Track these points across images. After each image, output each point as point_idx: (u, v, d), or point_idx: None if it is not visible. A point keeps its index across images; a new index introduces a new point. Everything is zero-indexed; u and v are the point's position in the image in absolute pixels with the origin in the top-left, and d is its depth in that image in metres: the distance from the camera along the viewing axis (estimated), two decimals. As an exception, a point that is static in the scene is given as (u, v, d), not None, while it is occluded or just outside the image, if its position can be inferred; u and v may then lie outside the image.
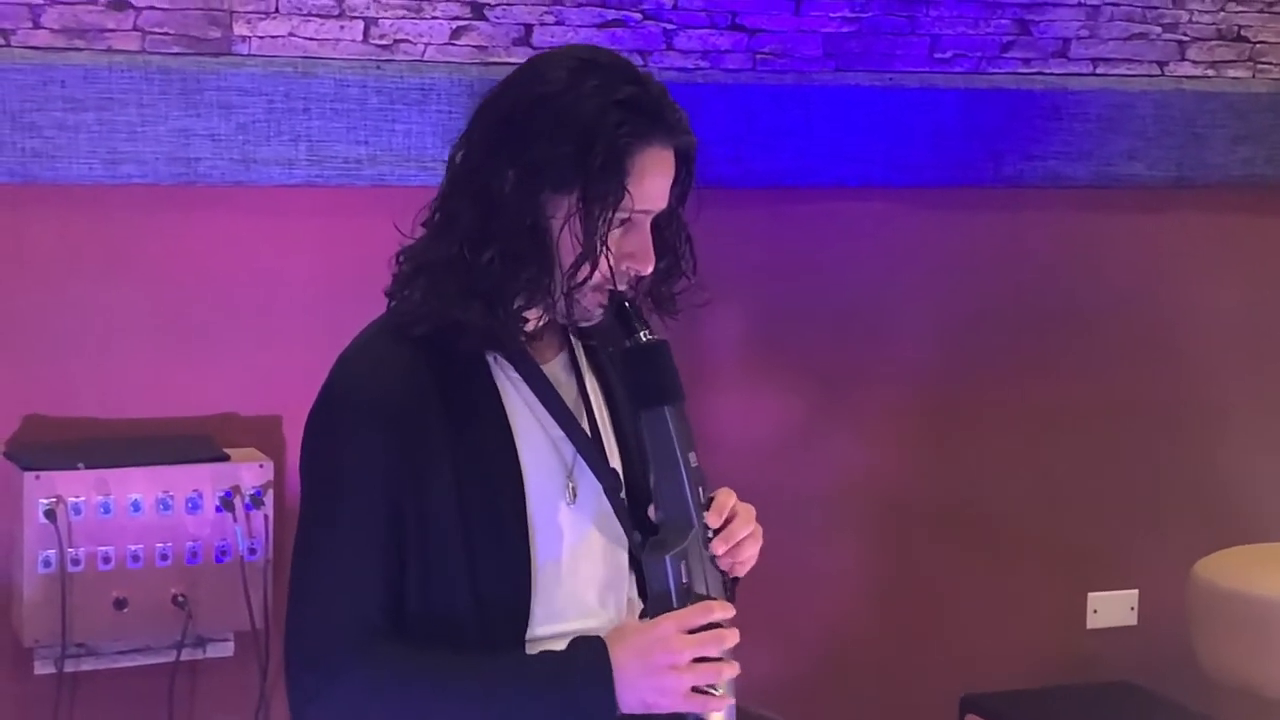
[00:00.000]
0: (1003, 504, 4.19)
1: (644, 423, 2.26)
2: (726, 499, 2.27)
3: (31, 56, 3.37)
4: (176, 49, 3.47)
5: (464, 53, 3.64)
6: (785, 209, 3.95)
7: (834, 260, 4.02)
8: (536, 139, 2.17)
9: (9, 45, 3.37)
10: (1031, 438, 4.20)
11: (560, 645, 2.23)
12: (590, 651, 2.18)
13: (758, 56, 3.88)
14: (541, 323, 2.28)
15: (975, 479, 4.17)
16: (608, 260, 2.20)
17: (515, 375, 2.27)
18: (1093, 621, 4.29)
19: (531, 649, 2.25)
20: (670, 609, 2.20)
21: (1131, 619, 4.32)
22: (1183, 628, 3.93)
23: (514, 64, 3.48)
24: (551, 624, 2.26)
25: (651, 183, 2.21)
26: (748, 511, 2.29)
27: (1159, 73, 4.19)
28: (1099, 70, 4.15)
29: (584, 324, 2.28)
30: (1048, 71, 4.10)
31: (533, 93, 2.20)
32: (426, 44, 3.63)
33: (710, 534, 2.24)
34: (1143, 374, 4.27)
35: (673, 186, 2.25)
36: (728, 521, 2.25)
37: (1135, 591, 4.32)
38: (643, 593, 2.34)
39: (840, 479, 4.06)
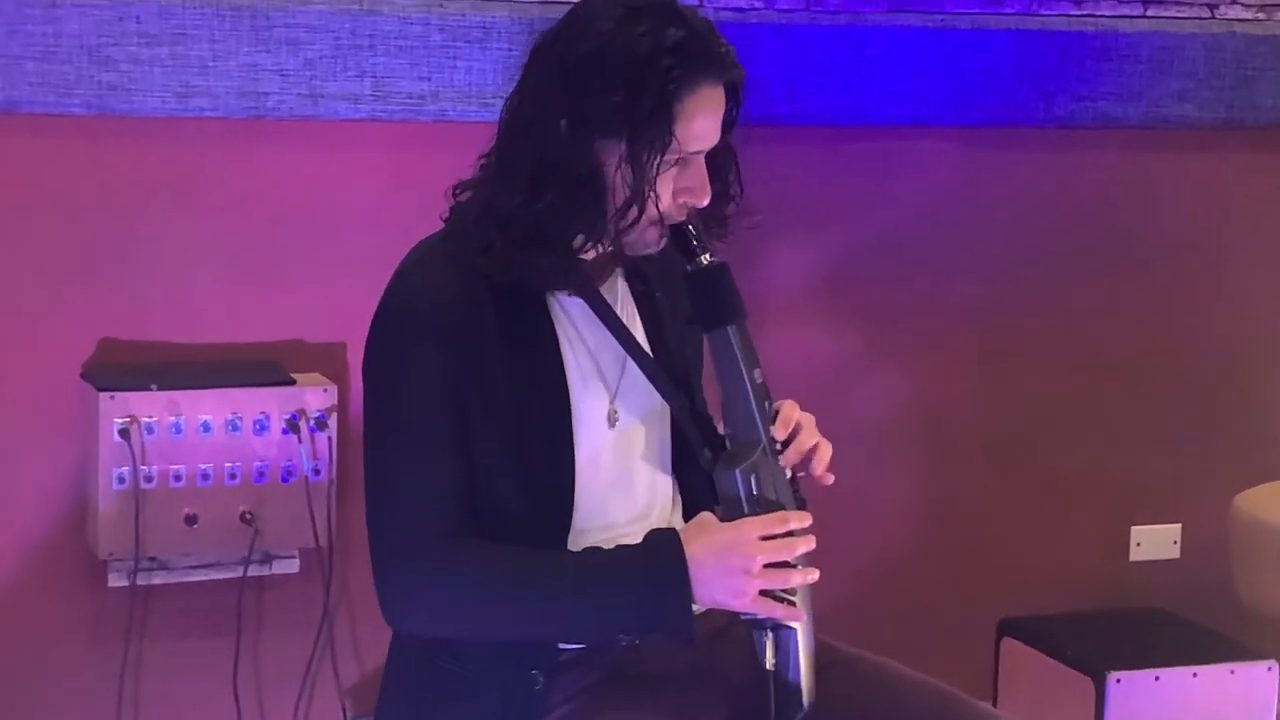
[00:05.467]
0: (1049, 438, 4.23)
1: (709, 343, 2.36)
2: (791, 411, 2.37)
3: (109, -7, 3.44)
4: (247, -14, 3.53)
5: (525, -9, 3.68)
6: (838, 147, 3.99)
7: (886, 197, 4.06)
8: (586, 90, 2.25)
9: (88, -18, 3.43)
10: (1078, 374, 4.24)
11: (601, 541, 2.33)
12: (667, 546, 2.26)
13: (812, -3, 3.92)
14: (602, 253, 2.38)
15: (1022, 413, 4.21)
16: (655, 203, 2.28)
17: (569, 299, 2.37)
18: (1136, 554, 4.34)
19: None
20: (743, 515, 2.28)
21: (1174, 552, 4.36)
22: (1224, 561, 3.97)
23: (574, 2, 3.63)
24: (592, 524, 2.36)
25: (702, 123, 2.29)
26: (810, 422, 2.39)
27: (1209, 15, 4.21)
28: (1150, 12, 4.17)
29: (645, 253, 2.38)
30: (1099, 14, 4.12)
31: (581, 44, 2.28)
32: (488, -17, 3.66)
33: (778, 446, 2.33)
34: (1190, 312, 4.30)
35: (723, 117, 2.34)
36: (794, 434, 2.35)
37: (1178, 526, 4.36)
38: (688, 517, 2.42)
39: (888, 411, 4.11)
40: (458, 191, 2.41)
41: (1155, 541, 4.36)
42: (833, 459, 2.40)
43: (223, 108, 3.53)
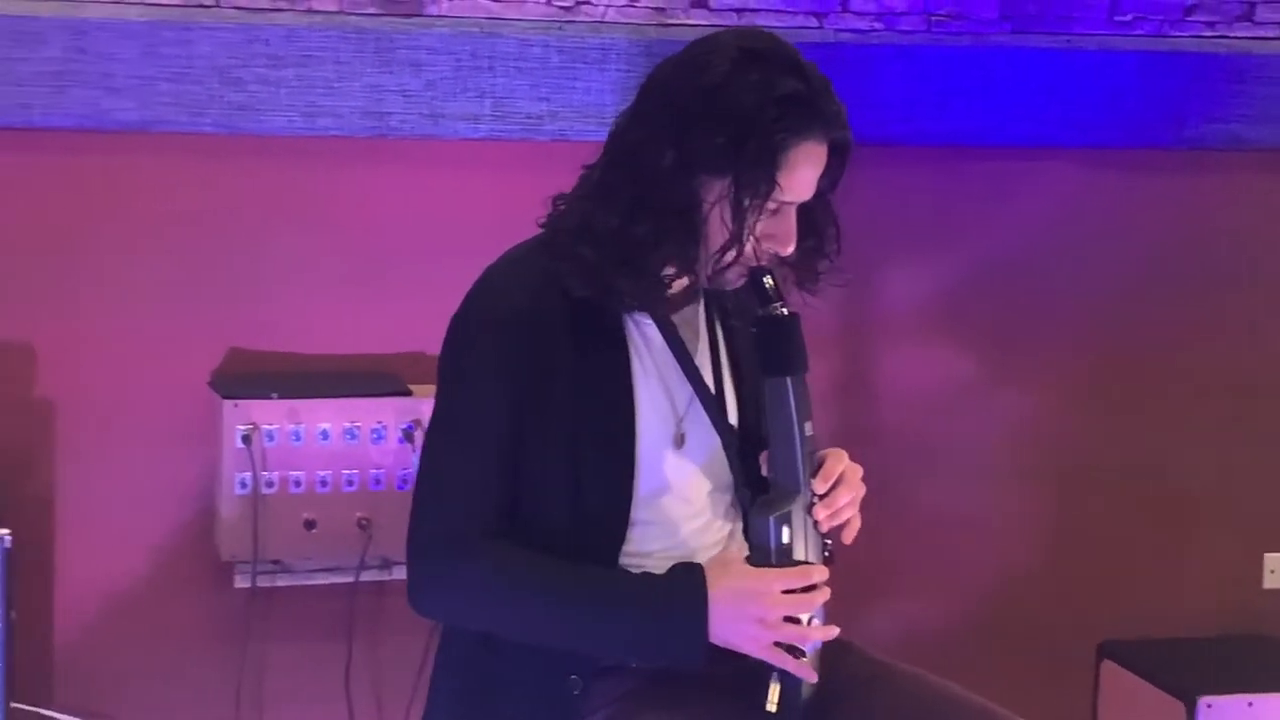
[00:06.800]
0: (1176, 463, 4.19)
1: (766, 389, 2.37)
2: (835, 464, 2.37)
3: (238, 16, 3.55)
4: (371, 10, 3.62)
5: (643, 14, 3.71)
6: (958, 167, 3.99)
7: (1005, 218, 4.05)
8: (696, 126, 2.28)
9: (219, 6, 3.56)
10: (1207, 399, 4.19)
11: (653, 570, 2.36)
12: (690, 582, 2.30)
13: (933, 19, 3.93)
14: (684, 283, 2.43)
15: (1147, 438, 4.17)
16: (752, 243, 2.32)
17: (644, 320, 2.41)
18: (1270, 581, 4.28)
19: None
20: (769, 564, 2.31)
21: (1312, 581, 4.29)
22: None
23: (691, 25, 3.58)
24: (644, 554, 2.39)
25: (801, 175, 2.31)
26: (854, 474, 2.39)
27: (1348, 36, 4.15)
28: (1285, 34, 4.12)
29: (722, 289, 2.41)
30: (1231, 35, 4.08)
31: (696, 81, 2.31)
32: (607, 5, 3.72)
33: (815, 499, 2.35)
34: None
35: (823, 174, 2.36)
36: (834, 486, 2.36)
37: (1317, 554, 4.29)
38: (748, 534, 2.45)
39: (1011, 434, 4.08)
40: (558, 203, 2.47)
41: (1291, 569, 4.29)
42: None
43: (347, 127, 3.63)
